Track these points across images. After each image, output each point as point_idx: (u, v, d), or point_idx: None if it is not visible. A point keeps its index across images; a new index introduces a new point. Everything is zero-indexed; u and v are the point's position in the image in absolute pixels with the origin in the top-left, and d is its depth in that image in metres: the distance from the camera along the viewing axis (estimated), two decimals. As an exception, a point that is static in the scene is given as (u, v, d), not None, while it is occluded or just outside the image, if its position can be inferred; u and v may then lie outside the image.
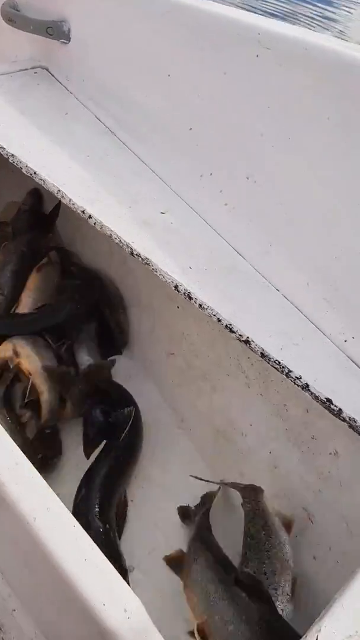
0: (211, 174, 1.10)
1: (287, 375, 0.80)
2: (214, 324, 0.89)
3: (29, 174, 1.07)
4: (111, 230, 0.98)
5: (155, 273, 0.94)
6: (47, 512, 0.63)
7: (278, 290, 0.95)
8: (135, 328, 1.31)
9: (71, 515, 0.64)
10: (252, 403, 1.00)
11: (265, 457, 0.98)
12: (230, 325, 0.85)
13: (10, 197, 1.53)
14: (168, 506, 1.02)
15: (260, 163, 1.00)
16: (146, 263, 0.95)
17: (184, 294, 0.90)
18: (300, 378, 0.80)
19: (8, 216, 1.52)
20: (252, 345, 0.83)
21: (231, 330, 0.85)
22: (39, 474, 0.67)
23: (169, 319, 1.20)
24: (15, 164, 1.08)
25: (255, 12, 1.00)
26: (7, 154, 1.09)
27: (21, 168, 1.08)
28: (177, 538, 0.98)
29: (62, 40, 1.31)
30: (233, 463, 1.04)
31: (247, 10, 1.06)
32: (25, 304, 1.28)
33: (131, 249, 0.96)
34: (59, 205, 1.44)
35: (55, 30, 1.30)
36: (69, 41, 1.31)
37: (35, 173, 1.06)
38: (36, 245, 1.41)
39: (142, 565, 0.95)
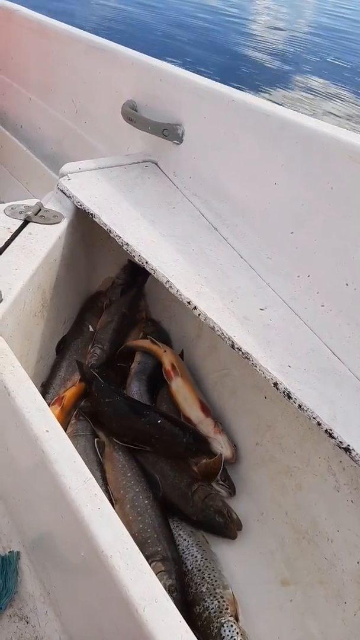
0: (309, 275, 1.16)
1: (389, 489, 0.81)
2: (304, 421, 0.92)
3: (140, 263, 1.16)
4: (214, 323, 1.04)
5: (254, 368, 0.98)
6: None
7: (376, 398, 0.97)
8: (218, 414, 1.34)
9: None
10: (340, 508, 0.99)
11: (351, 567, 0.96)
12: (331, 430, 0.87)
13: (107, 272, 1.65)
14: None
15: (361, 272, 1.06)
16: (246, 357, 0.99)
17: (284, 392, 0.94)
18: None
19: (104, 287, 1.64)
20: (353, 454, 0.84)
21: (331, 436, 0.87)
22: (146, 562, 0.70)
23: (254, 408, 1.23)
24: (129, 252, 1.18)
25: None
26: (122, 242, 1.20)
27: (134, 257, 1.17)
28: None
29: (175, 141, 1.45)
30: (315, 568, 1.02)
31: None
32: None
33: (232, 342, 1.01)
34: (145, 279, 1.57)
35: (170, 132, 1.45)
36: (181, 142, 1.45)
37: (147, 263, 1.15)
38: (134, 309, 1.56)
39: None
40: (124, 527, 0.73)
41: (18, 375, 0.90)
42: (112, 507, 0.74)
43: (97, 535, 0.71)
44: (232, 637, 0.91)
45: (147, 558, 0.73)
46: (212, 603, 0.96)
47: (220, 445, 1.20)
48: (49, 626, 0.94)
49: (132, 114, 1.53)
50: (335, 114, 5.79)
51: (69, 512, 0.76)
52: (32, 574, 1.01)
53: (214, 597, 0.97)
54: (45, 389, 1.31)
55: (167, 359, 1.34)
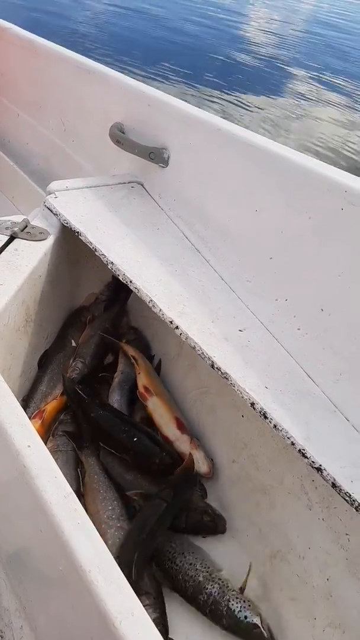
0: (286, 299, 1.21)
1: (357, 509, 0.84)
2: (279, 440, 0.95)
3: (125, 282, 1.19)
4: (195, 343, 1.08)
5: (232, 388, 1.02)
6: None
7: (348, 420, 1.01)
8: (196, 431, 1.37)
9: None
10: (312, 526, 1.03)
11: (321, 584, 0.99)
12: (304, 450, 0.91)
13: (90, 288, 1.67)
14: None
15: (335, 299, 1.10)
16: (225, 377, 1.03)
17: (260, 412, 0.97)
18: (370, 514, 0.84)
19: (88, 303, 1.67)
20: (324, 474, 0.88)
21: (304, 456, 0.91)
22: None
23: (231, 426, 1.26)
24: (113, 270, 1.21)
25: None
26: (107, 261, 1.23)
27: (118, 275, 1.20)
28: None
29: (161, 164, 1.50)
30: (286, 585, 1.05)
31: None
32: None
33: (212, 362, 1.05)
34: (128, 296, 1.60)
35: (156, 156, 1.49)
36: (167, 166, 1.50)
37: (131, 282, 1.18)
38: (117, 325, 1.58)
39: None
40: (102, 542, 0.74)
41: (0, 390, 0.92)
42: (91, 523, 0.76)
43: (76, 550, 0.73)
44: (241, 607, 1.00)
45: None
46: (213, 587, 1.03)
47: (198, 461, 1.22)
48: None
49: (119, 136, 1.57)
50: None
51: (48, 527, 0.77)
52: (8, 589, 1.01)
53: (213, 581, 1.04)
54: (26, 403, 1.32)
55: (141, 381, 1.36)
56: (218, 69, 7.05)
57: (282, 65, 7.92)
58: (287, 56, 8.48)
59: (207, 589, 1.02)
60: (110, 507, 1.12)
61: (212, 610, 1.01)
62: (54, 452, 1.21)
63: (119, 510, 1.11)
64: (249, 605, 1.00)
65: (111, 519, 1.09)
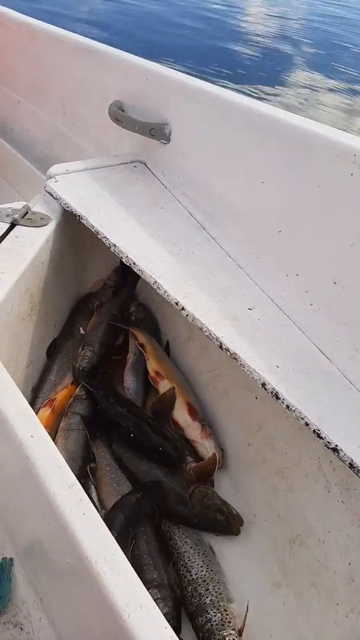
0: (297, 274, 1.15)
1: (378, 490, 0.80)
2: (294, 421, 0.91)
3: (128, 264, 1.15)
4: (202, 324, 1.03)
5: (243, 369, 0.97)
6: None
7: (365, 397, 0.96)
8: (210, 415, 1.33)
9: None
10: (331, 509, 0.98)
11: (342, 569, 0.95)
12: (319, 430, 0.86)
13: (98, 274, 1.64)
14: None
15: (348, 271, 1.05)
16: (234, 358, 0.99)
17: (272, 392, 0.93)
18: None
19: (95, 289, 1.63)
20: (341, 455, 0.83)
21: (319, 436, 0.86)
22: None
23: (245, 409, 1.22)
24: (116, 253, 1.17)
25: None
26: (109, 244, 1.19)
27: (122, 257, 1.17)
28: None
29: (163, 140, 1.45)
30: (307, 570, 1.01)
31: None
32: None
33: (220, 342, 1.00)
34: (137, 280, 1.57)
35: (157, 132, 1.44)
36: (169, 142, 1.44)
37: (134, 264, 1.14)
38: (125, 309, 1.55)
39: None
40: (109, 533, 0.72)
41: (2, 380, 0.89)
42: (97, 513, 0.74)
43: (81, 541, 0.70)
44: None
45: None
46: (215, 615, 0.95)
47: (207, 450, 1.19)
48: (43, 633, 0.94)
49: (119, 114, 1.52)
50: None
51: (54, 518, 0.75)
52: (26, 581, 1.00)
53: (218, 609, 0.96)
54: (35, 394, 1.30)
55: (151, 366, 1.33)
56: (221, 60, 6.90)
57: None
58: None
59: (208, 613, 0.95)
60: None
61: (204, 637, 0.94)
62: (66, 431, 1.19)
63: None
64: None
65: None
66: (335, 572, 0.97)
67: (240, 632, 0.93)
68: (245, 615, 0.95)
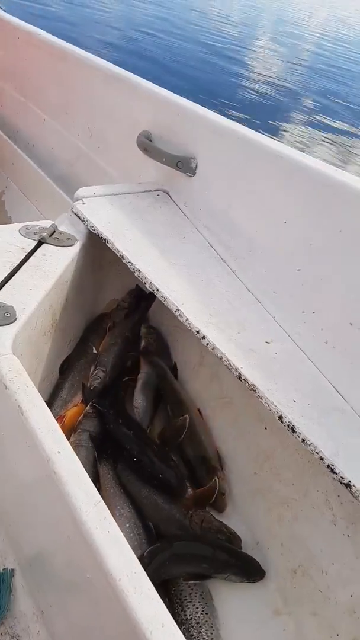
0: (313, 312, 1.20)
1: (387, 527, 0.84)
2: (304, 454, 0.95)
3: (151, 289, 1.20)
4: (222, 353, 1.08)
5: (260, 400, 1.02)
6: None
7: (376, 436, 1.00)
8: (217, 441, 1.36)
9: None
10: (336, 541, 1.02)
11: (345, 600, 0.99)
12: (333, 465, 0.90)
13: (112, 294, 1.68)
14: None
15: (365, 313, 1.10)
16: (252, 389, 1.03)
17: (288, 425, 0.97)
18: None
19: (109, 309, 1.67)
20: (353, 490, 0.87)
21: (333, 471, 0.90)
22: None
23: (254, 438, 1.25)
24: (140, 278, 1.22)
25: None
26: (134, 269, 1.23)
27: (145, 283, 1.21)
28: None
29: (188, 173, 1.51)
30: (308, 599, 1.04)
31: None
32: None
33: (240, 373, 1.05)
34: (149, 304, 1.60)
35: (184, 165, 1.50)
36: (194, 175, 1.50)
37: (157, 290, 1.19)
38: (137, 332, 1.58)
39: None
40: (132, 551, 0.74)
41: (31, 395, 0.92)
42: (121, 532, 0.76)
43: (106, 558, 0.73)
44: None
45: None
46: None
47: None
48: None
49: (147, 145, 1.58)
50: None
51: (77, 534, 0.77)
52: (26, 592, 1.01)
53: None
54: (47, 408, 1.32)
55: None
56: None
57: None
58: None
59: None
60: (127, 525, 1.10)
61: None
62: (75, 447, 1.21)
63: (137, 530, 1.10)
64: None
65: (128, 538, 1.08)
66: (337, 603, 1.00)
67: None
68: None
